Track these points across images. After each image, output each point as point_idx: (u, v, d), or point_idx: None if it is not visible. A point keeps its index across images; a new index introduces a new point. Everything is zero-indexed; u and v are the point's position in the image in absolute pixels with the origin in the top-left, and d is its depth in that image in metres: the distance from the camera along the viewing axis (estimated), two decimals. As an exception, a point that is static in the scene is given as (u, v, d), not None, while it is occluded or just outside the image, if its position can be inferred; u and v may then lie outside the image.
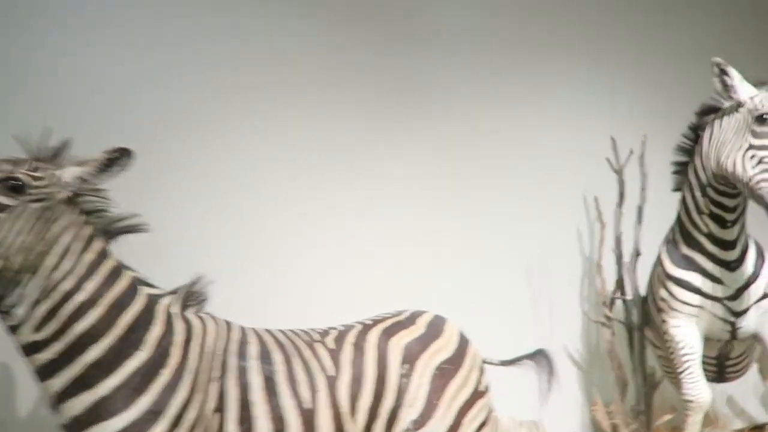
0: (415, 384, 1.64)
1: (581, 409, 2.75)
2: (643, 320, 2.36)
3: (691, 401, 1.99)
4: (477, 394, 1.73)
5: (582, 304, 2.83)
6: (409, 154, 2.50)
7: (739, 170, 1.73)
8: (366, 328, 1.71)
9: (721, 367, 2.23)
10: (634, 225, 2.48)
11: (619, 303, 2.53)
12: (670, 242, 2.10)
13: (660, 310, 2.09)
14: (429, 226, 2.53)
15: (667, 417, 2.26)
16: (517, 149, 2.73)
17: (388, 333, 1.69)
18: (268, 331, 1.60)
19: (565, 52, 2.81)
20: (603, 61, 2.88)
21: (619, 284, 2.51)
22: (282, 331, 1.62)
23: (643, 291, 2.41)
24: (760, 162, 1.67)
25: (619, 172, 2.60)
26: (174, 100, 2.09)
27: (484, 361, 1.93)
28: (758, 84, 1.83)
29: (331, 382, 1.53)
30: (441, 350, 1.70)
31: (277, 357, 1.51)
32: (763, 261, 2.00)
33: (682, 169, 2.06)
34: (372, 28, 2.46)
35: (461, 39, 2.61)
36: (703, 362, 2.22)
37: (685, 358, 2.02)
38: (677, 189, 2.10)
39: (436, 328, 1.75)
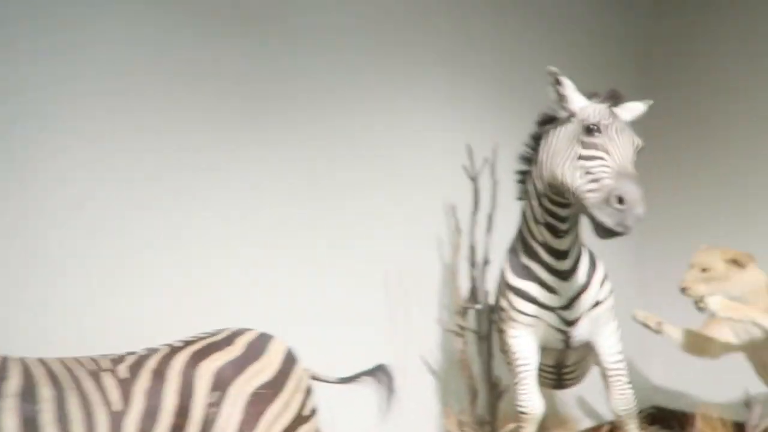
0: (225, 414, 1.46)
1: (438, 419, 2.71)
2: (491, 329, 2.34)
3: (524, 412, 1.99)
4: (300, 420, 1.58)
5: (441, 313, 2.79)
6: (261, 160, 2.31)
7: (568, 180, 1.73)
8: (173, 351, 1.50)
9: (559, 374, 2.26)
10: (485, 233, 2.47)
11: (473, 312, 2.51)
12: (512, 251, 2.09)
13: (500, 320, 2.07)
14: (282, 234, 2.36)
15: (511, 426, 2.25)
16: (377, 156, 2.63)
17: (199, 356, 1.50)
18: (41, 360, 1.34)
19: (425, 59, 2.77)
20: (460, 68, 2.88)
21: (472, 293, 2.49)
22: (62, 360, 1.37)
23: (493, 299, 2.40)
24: (587, 172, 1.68)
25: (474, 180, 2.59)
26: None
27: (321, 380, 1.79)
28: (591, 96, 1.85)
29: (116, 418, 1.31)
30: (259, 373, 1.53)
31: (46, 392, 1.26)
32: (594, 270, 2.04)
33: (523, 178, 2.05)
34: (230, 28, 2.24)
35: (321, 44, 2.47)
36: (543, 370, 2.25)
37: (520, 369, 2.01)
38: (520, 198, 2.09)
39: (256, 348, 1.58)
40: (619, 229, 1.58)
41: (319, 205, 2.46)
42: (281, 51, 2.36)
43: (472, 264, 2.50)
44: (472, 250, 2.53)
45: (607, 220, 1.58)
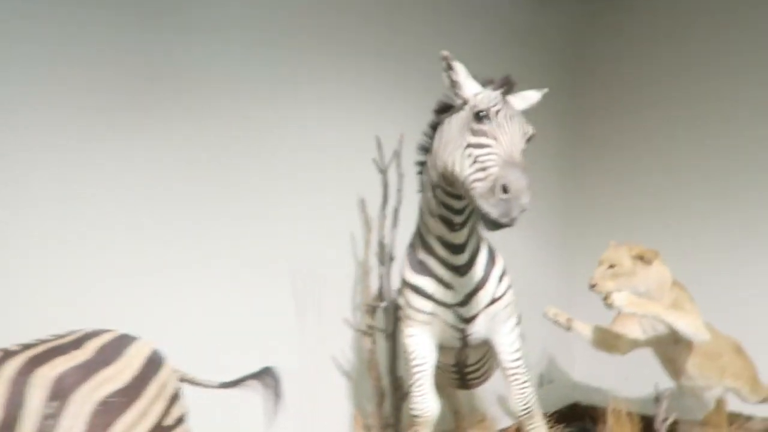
0: (65, 426, 1.29)
1: (350, 421, 2.60)
2: (396, 328, 2.25)
3: (416, 415, 1.89)
4: (160, 430, 1.43)
5: (354, 312, 2.69)
6: (152, 155, 2.13)
7: (457, 169, 1.65)
8: (5, 356, 1.32)
9: (461, 374, 2.18)
10: (391, 228, 2.38)
11: (382, 310, 2.41)
12: (411, 246, 2.00)
13: (399, 318, 1.98)
14: (182, 229, 2.19)
15: (414, 429, 2.16)
16: (280, 149, 2.50)
17: (36, 362, 1.33)
18: None
19: (332, 49, 2.65)
20: (369, 58, 2.78)
21: (380, 291, 2.39)
22: None
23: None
24: (475, 161, 1.60)
25: (384, 173, 2.49)
26: None
27: (198, 384, 1.64)
28: (485, 83, 1.78)
29: None
30: (110, 380, 1.38)
31: None
32: (493, 265, 1.96)
33: (422, 170, 1.97)
34: (122, 18, 2.05)
35: (218, 34, 2.31)
36: (445, 370, 2.17)
37: (415, 369, 1.92)
38: (420, 190, 2.00)
39: (110, 352, 1.42)
40: (503, 220, 1.50)
41: (217, 201, 2.31)
42: (175, 40, 2.19)
43: (381, 260, 2.40)
44: (381, 246, 2.43)
45: (492, 210, 1.51)
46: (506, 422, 3.12)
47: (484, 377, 2.25)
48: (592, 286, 2.45)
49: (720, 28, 3.27)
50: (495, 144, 1.58)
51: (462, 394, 2.75)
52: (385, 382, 2.37)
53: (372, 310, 2.40)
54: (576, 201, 3.88)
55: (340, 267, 2.67)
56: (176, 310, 2.16)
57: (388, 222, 2.44)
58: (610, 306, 2.33)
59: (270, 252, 2.45)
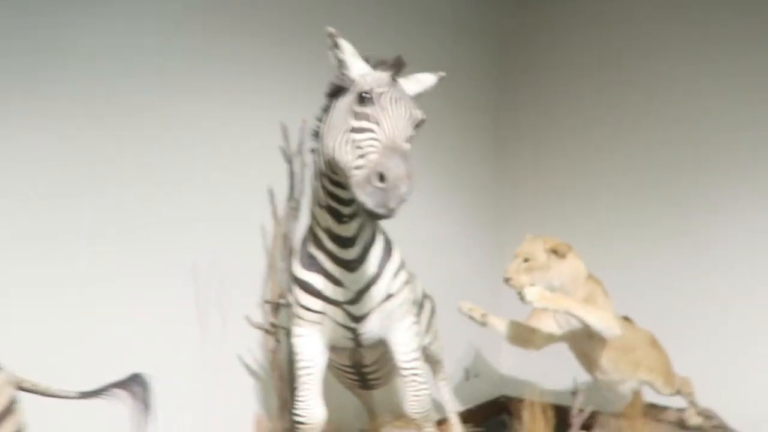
0: None
1: (252, 425, 2.46)
2: (295, 327, 2.11)
3: (299, 422, 1.75)
4: (-15, 451, 1.25)
5: (260, 309, 2.53)
6: (40, 140, 1.92)
7: (339, 156, 1.52)
8: None
9: (360, 375, 2.06)
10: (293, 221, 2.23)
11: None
12: (302, 240, 1.86)
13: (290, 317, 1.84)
14: (68, 225, 1.99)
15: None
16: (187, 137, 2.32)
17: None
18: None
19: (235, 30, 2.46)
20: (276, 44, 2.60)
21: (286, 287, 2.25)
22: None
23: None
24: (355, 147, 1.47)
25: (290, 163, 2.34)
26: None
27: (51, 395, 1.46)
28: (377, 64, 1.64)
29: None
30: None
31: None
32: (389, 259, 1.83)
33: (315, 157, 1.82)
34: None
35: (120, 19, 2.10)
36: (342, 371, 2.05)
37: (301, 372, 1.78)
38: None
39: None
40: (380, 210, 1.37)
41: (110, 194, 2.11)
42: (64, 22, 1.96)
43: (284, 254, 2.26)
44: (286, 238, 2.28)
45: (367, 200, 1.38)
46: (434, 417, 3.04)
47: (386, 378, 2.13)
48: (506, 280, 2.38)
49: (644, 26, 3.27)
50: (377, 129, 1.46)
51: (380, 391, 2.65)
52: (288, 383, 2.24)
53: (275, 308, 2.25)
54: (506, 194, 3.85)
55: (247, 261, 2.51)
56: (54, 310, 1.96)
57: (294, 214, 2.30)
58: (523, 300, 2.26)
59: (169, 246, 2.27)
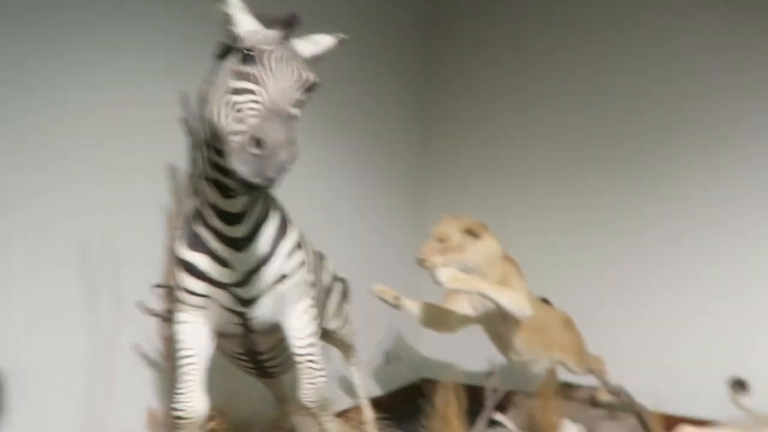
0: None
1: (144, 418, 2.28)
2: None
3: (178, 416, 1.60)
4: None
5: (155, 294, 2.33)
6: None
7: (216, 120, 1.37)
8: None
9: (256, 362, 1.93)
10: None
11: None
12: (186, 217, 1.70)
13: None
14: None
15: (211, 424, 1.90)
16: (77, 106, 2.09)
17: None
18: None
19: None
20: (177, 10, 2.40)
21: (184, 269, 2.07)
22: None
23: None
24: (236, 109, 1.33)
25: (191, 135, 2.15)
26: None
27: None
28: (271, 22, 1.47)
29: None
30: None
31: None
32: (283, 238, 1.67)
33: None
34: None
35: None
36: (237, 358, 1.91)
37: (183, 362, 1.63)
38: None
39: None
40: (256, 180, 1.24)
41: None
42: None
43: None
44: (182, 218, 2.10)
45: (242, 168, 1.24)
46: (344, 404, 2.95)
47: (285, 365, 2.00)
48: (420, 261, 2.31)
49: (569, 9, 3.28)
50: (259, 90, 1.32)
51: (290, 377, 2.53)
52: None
53: (170, 292, 2.08)
54: (428, 176, 3.81)
55: (145, 242, 2.31)
56: None
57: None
58: (436, 281, 2.19)
59: (51, 224, 2.04)
